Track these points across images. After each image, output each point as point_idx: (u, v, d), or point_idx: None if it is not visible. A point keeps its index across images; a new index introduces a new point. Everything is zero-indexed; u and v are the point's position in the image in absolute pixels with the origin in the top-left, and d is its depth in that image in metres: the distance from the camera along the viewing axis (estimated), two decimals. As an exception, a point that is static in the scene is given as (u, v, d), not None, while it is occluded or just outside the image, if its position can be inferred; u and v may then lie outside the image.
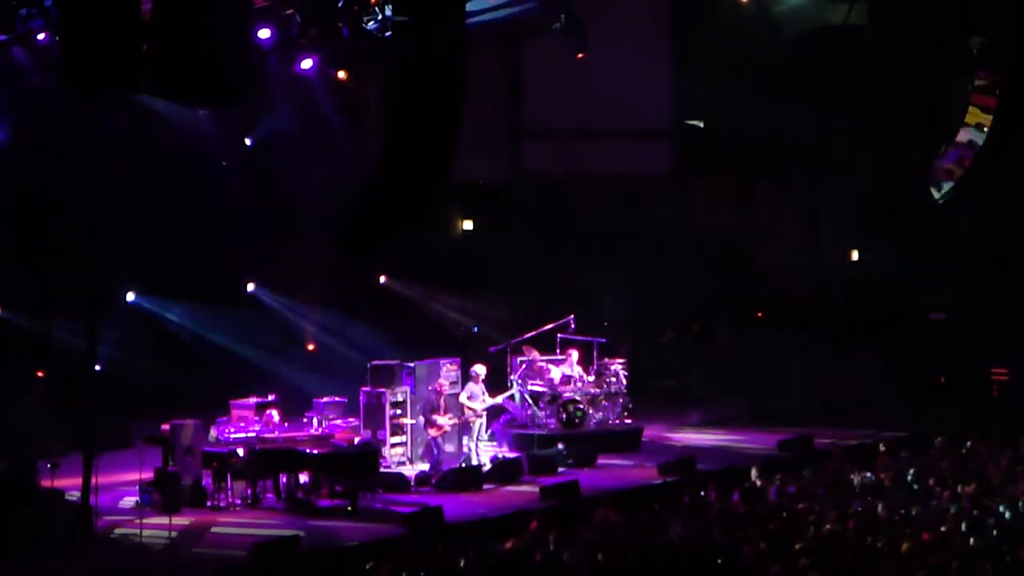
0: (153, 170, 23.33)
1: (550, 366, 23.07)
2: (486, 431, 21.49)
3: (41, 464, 17.35)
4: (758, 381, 27.50)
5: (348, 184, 23.39)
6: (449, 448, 20.94)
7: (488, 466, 20.41)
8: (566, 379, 22.99)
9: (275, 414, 19.83)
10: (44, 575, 15.81)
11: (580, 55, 23.49)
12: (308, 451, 18.95)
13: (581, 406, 22.70)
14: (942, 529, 14.03)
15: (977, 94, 25.37)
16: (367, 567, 13.70)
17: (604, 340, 23.80)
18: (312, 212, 24.85)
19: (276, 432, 19.60)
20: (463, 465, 20.47)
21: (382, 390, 21.08)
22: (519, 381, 22.73)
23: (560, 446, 21.64)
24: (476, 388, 20.85)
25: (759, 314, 30.58)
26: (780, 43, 27.50)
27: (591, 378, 23.21)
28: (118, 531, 17.36)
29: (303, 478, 18.93)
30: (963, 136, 25.59)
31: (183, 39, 14.44)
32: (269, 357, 24.47)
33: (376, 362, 21.68)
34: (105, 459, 17.83)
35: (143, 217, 23.16)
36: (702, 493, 17.48)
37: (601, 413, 22.99)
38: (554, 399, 22.69)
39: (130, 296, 23.95)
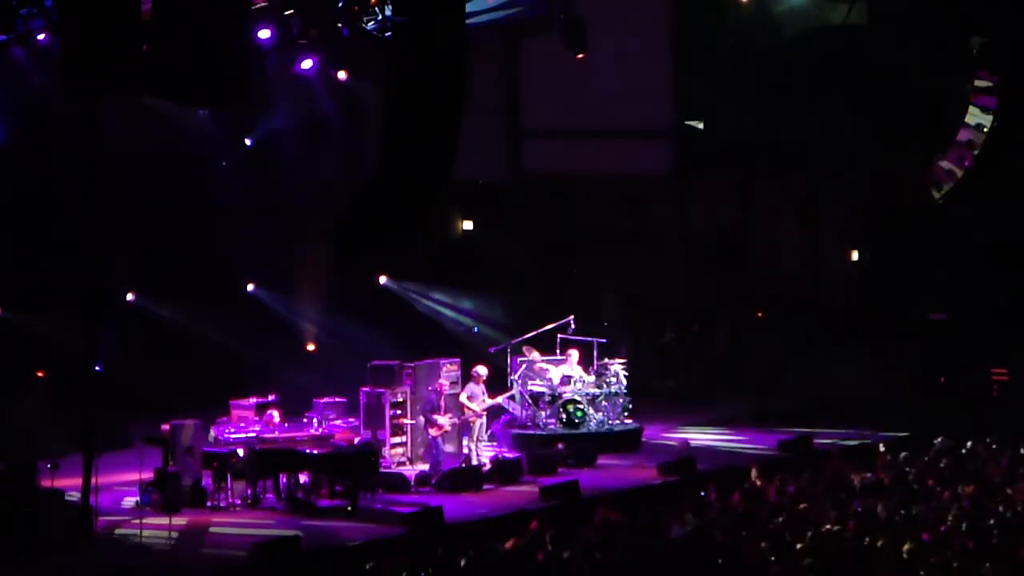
0: (153, 170, 23.29)
1: (550, 366, 23.09)
2: (486, 431, 21.49)
3: (41, 464, 17.32)
4: (758, 381, 27.49)
5: (348, 184, 23.41)
6: (449, 448, 20.95)
7: (488, 466, 20.40)
8: (566, 379, 22.97)
9: (275, 414, 19.85)
10: (44, 575, 15.79)
11: (580, 55, 23.48)
12: (308, 451, 18.95)
13: (581, 406, 22.68)
14: (942, 529, 14.02)
15: (977, 94, 25.41)
16: (367, 567, 13.66)
17: (604, 340, 23.77)
18: (312, 212, 24.85)
19: (276, 432, 19.62)
20: (463, 465, 20.46)
21: (382, 390, 21.09)
22: (519, 381, 22.73)
23: (560, 446, 21.65)
24: (476, 388, 20.83)
25: (759, 314, 30.58)
26: (780, 43, 27.51)
27: (591, 378, 23.18)
28: (118, 531, 17.35)
29: (303, 478, 18.91)
30: (963, 136, 25.62)
31: (183, 39, 14.42)
32: (269, 357, 24.44)
33: (376, 362, 21.69)
34: (105, 459, 17.79)
35: (143, 217, 23.13)
36: (702, 493, 17.48)
37: (601, 413, 22.96)
38: (554, 399, 22.67)
39: (130, 296, 23.96)
